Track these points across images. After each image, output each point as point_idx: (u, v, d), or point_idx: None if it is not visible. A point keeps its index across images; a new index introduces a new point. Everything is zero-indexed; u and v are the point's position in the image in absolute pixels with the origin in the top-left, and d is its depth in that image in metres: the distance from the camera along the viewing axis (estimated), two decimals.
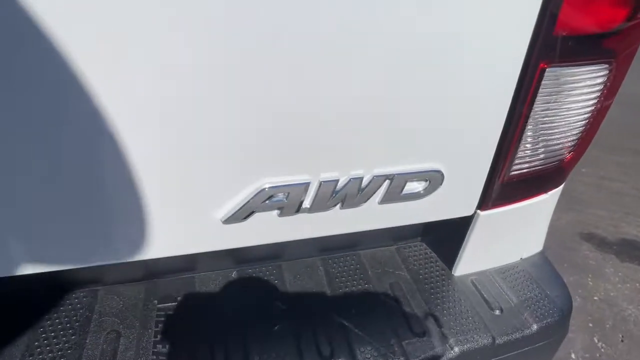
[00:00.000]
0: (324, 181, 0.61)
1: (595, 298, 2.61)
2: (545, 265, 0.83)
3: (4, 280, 0.53)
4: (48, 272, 0.54)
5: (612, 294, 2.62)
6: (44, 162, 0.46)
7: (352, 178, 0.62)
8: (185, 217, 0.57)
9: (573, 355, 2.21)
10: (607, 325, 2.43)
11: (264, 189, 0.59)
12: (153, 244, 0.57)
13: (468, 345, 0.65)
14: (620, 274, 2.76)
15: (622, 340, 2.33)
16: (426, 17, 0.50)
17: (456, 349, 0.64)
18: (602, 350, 2.27)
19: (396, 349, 0.63)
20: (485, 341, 0.66)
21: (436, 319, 0.68)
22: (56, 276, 0.58)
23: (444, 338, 0.66)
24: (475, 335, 0.67)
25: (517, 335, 0.68)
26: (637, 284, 2.70)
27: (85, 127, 0.45)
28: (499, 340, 0.67)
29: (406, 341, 0.64)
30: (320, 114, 0.54)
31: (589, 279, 2.73)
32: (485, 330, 0.68)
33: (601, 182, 3.63)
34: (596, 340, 2.33)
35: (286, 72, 0.49)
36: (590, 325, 2.42)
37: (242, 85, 0.48)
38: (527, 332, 0.69)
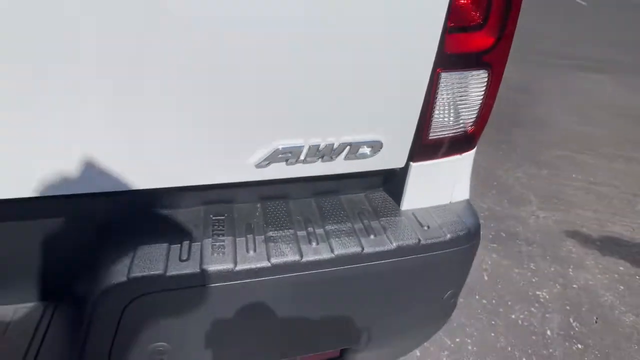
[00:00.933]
0: (311, 145, 1.01)
1: (575, 286, 2.78)
2: (467, 207, 1.22)
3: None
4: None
5: (591, 282, 2.78)
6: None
7: (328, 144, 1.04)
8: (236, 162, 1.01)
9: (549, 332, 2.41)
10: (583, 309, 2.60)
11: (278, 148, 1.00)
12: (219, 174, 1.01)
13: (402, 241, 1.05)
14: (600, 265, 2.89)
15: (595, 322, 2.48)
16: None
17: (394, 244, 1.04)
18: (577, 329, 2.44)
19: (357, 241, 1.04)
20: (414, 241, 1.06)
21: (384, 229, 1.09)
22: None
23: (387, 238, 1.06)
24: (407, 237, 1.06)
25: (436, 240, 1.08)
26: (616, 275, 2.83)
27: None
28: (423, 242, 1.07)
29: (363, 238, 1.05)
30: (312, 107, 0.97)
31: (570, 270, 2.89)
32: (415, 236, 1.08)
33: (590, 186, 3.74)
34: (571, 321, 2.52)
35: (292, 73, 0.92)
36: (568, 308, 2.60)
37: (267, 85, 0.92)
38: (442, 239, 1.08)
